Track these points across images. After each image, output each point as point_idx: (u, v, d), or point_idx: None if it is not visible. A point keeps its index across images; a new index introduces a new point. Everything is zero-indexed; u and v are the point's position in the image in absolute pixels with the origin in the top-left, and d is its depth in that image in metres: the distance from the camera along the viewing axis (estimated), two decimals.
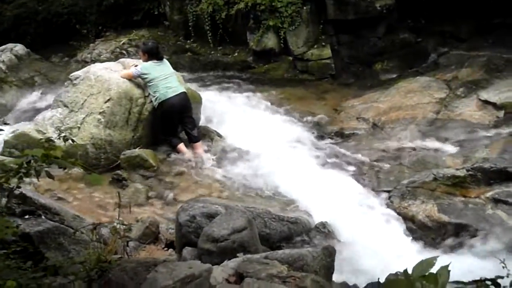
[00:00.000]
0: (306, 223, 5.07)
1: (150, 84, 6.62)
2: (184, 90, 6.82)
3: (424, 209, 5.32)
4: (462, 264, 4.18)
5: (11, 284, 2.07)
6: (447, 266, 1.39)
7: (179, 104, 6.66)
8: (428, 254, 4.86)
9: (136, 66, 6.83)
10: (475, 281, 2.05)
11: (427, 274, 1.32)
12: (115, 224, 3.34)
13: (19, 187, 2.84)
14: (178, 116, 6.71)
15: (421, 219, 5.25)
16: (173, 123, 6.75)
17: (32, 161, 2.70)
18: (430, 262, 1.35)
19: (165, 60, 6.94)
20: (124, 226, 3.24)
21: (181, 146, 6.70)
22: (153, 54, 6.78)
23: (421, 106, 7.73)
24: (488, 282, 2.04)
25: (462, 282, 1.77)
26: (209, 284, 2.96)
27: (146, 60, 6.77)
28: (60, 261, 2.84)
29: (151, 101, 6.71)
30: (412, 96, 8.03)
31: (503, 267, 2.24)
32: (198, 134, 6.86)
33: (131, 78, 6.76)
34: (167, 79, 6.66)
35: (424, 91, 8.11)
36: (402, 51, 9.88)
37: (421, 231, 5.19)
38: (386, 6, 9.68)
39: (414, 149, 6.78)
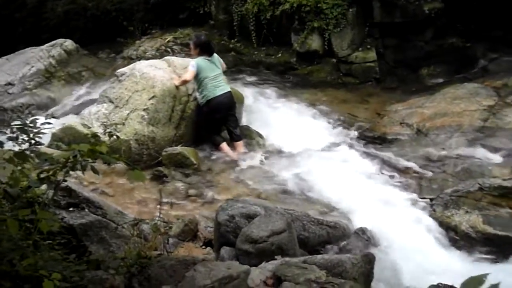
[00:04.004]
0: (345, 228, 4.98)
1: (199, 81, 6.64)
2: (230, 89, 6.84)
3: (468, 219, 5.15)
4: (507, 280, 4.04)
5: (56, 276, 2.12)
6: (497, 285, 1.33)
7: (225, 103, 6.70)
8: (470, 266, 4.72)
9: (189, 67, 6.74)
10: None
11: None
12: (156, 221, 3.38)
13: (65, 180, 2.90)
14: (223, 115, 6.74)
15: (465, 230, 5.09)
16: (217, 122, 6.79)
17: (78, 156, 2.76)
18: (479, 280, 1.30)
19: (215, 55, 6.89)
20: (165, 224, 3.28)
21: (224, 145, 6.72)
22: (205, 48, 6.78)
23: (468, 113, 7.51)
24: None
25: None
26: (246, 286, 2.96)
27: (198, 54, 6.76)
28: (102, 256, 2.90)
29: (194, 99, 6.76)
30: (458, 103, 7.81)
31: None
32: (239, 133, 6.88)
33: (190, 80, 6.72)
34: (216, 78, 6.68)
35: (471, 98, 7.88)
36: (449, 56, 9.65)
37: (464, 242, 5.03)
38: (434, 10, 9.48)
39: (459, 157, 6.59)
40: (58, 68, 10.10)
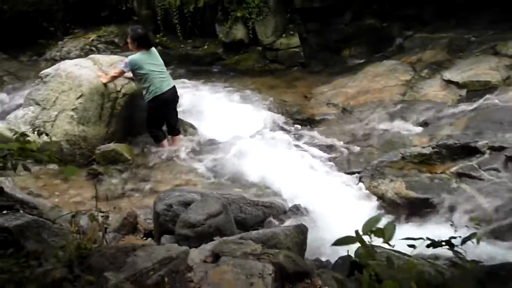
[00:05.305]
0: (281, 207, 5.22)
1: (144, 77, 6.41)
2: (174, 84, 6.77)
3: (393, 187, 5.52)
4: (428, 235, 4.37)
5: None
6: (393, 222, 1.55)
7: (172, 98, 6.64)
8: (397, 229, 5.05)
9: (121, 62, 6.59)
10: (430, 244, 2.23)
11: (374, 229, 1.48)
12: (93, 211, 3.44)
13: None
14: (168, 110, 6.69)
15: (391, 197, 5.44)
16: (163, 117, 6.70)
17: (8, 155, 2.77)
18: (376, 218, 1.51)
19: (153, 48, 6.63)
20: (102, 214, 3.35)
21: (165, 141, 6.74)
22: (143, 42, 6.47)
23: (388, 89, 7.96)
24: (443, 243, 2.22)
25: (412, 238, 1.93)
26: (186, 265, 3.09)
27: (136, 48, 6.47)
28: (42, 247, 2.94)
29: (123, 96, 6.74)
30: (379, 80, 8.26)
31: (453, 227, 2.42)
32: (178, 126, 6.91)
33: (119, 76, 6.59)
34: (162, 72, 6.51)
35: (390, 74, 8.35)
36: (368, 37, 10.12)
37: (391, 208, 5.38)
38: None
39: (382, 131, 7.00)
40: None
